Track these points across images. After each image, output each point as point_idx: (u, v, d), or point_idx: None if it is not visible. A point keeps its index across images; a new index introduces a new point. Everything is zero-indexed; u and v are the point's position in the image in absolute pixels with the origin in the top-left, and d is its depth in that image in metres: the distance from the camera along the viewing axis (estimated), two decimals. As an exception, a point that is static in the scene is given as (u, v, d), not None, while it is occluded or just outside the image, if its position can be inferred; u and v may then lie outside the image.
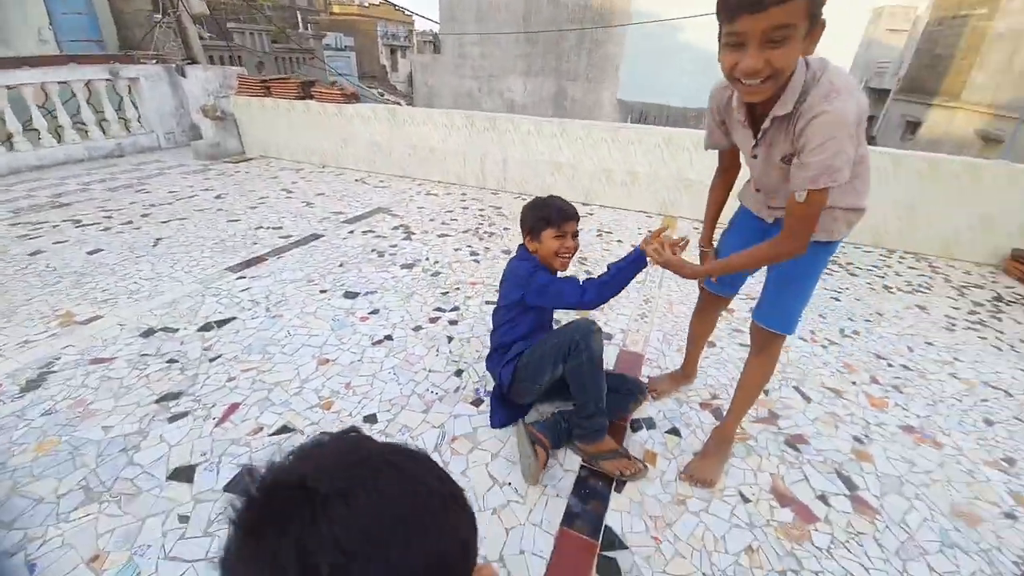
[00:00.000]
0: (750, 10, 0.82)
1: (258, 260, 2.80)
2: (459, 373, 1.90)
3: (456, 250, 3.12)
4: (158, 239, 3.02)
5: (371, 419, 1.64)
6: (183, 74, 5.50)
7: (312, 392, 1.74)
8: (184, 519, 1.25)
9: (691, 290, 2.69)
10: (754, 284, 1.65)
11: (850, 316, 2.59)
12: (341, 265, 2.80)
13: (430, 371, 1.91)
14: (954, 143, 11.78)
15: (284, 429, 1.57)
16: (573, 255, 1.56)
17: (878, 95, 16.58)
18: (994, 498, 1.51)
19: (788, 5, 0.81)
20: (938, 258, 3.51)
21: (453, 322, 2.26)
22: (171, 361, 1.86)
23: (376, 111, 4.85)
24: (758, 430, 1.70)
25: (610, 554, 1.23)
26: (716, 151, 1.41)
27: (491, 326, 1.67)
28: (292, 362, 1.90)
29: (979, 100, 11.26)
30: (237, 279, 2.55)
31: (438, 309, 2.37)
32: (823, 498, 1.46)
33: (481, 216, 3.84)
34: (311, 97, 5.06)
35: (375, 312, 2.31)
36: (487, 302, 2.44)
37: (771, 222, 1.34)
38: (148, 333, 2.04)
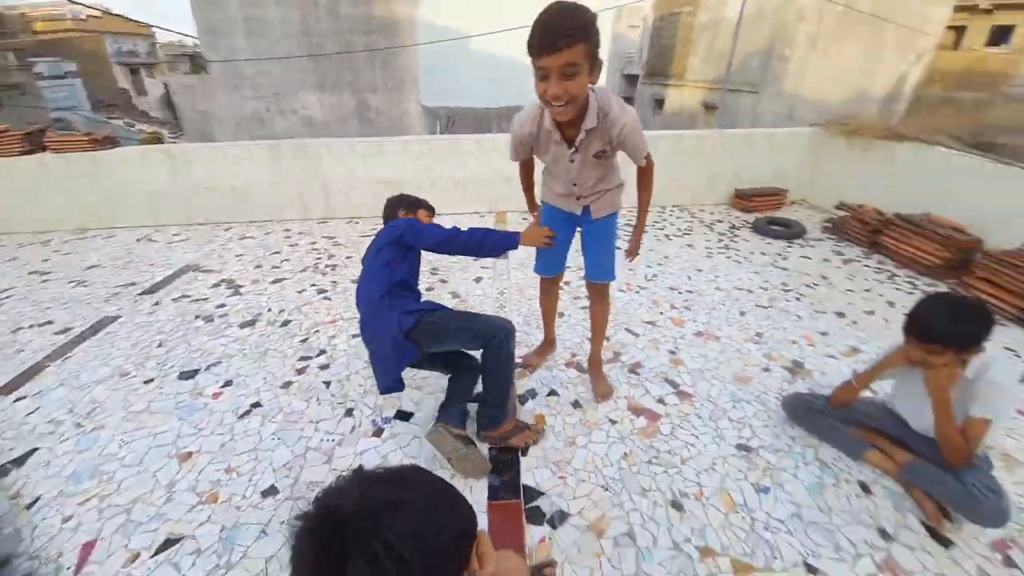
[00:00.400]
0: (548, 51, 1.20)
1: (35, 370, 2.27)
2: (350, 412, 1.95)
3: (300, 292, 3.01)
4: None
5: (271, 491, 1.60)
6: None
7: (186, 492, 1.59)
8: None
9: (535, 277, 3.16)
10: (575, 261, 2.11)
11: (648, 264, 3.39)
12: (160, 345, 2.46)
13: (318, 422, 1.91)
14: (688, 113, 15.42)
15: (169, 542, 1.43)
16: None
17: (631, 80, 20.59)
18: (755, 362, 2.28)
19: (574, 49, 1.20)
20: (692, 206, 4.75)
21: (324, 366, 2.26)
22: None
23: (147, 155, 4.18)
24: (609, 368, 2.19)
25: (533, 504, 1.52)
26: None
27: (359, 332, 1.75)
28: (142, 471, 1.68)
29: (698, 78, 14.92)
30: (14, 401, 2.05)
31: (303, 358, 2.32)
32: (661, 400, 2.01)
33: (316, 250, 3.72)
34: (43, 149, 4.07)
35: (228, 384, 2.14)
36: (354, 335, 2.48)
37: (579, 213, 1.78)
38: None
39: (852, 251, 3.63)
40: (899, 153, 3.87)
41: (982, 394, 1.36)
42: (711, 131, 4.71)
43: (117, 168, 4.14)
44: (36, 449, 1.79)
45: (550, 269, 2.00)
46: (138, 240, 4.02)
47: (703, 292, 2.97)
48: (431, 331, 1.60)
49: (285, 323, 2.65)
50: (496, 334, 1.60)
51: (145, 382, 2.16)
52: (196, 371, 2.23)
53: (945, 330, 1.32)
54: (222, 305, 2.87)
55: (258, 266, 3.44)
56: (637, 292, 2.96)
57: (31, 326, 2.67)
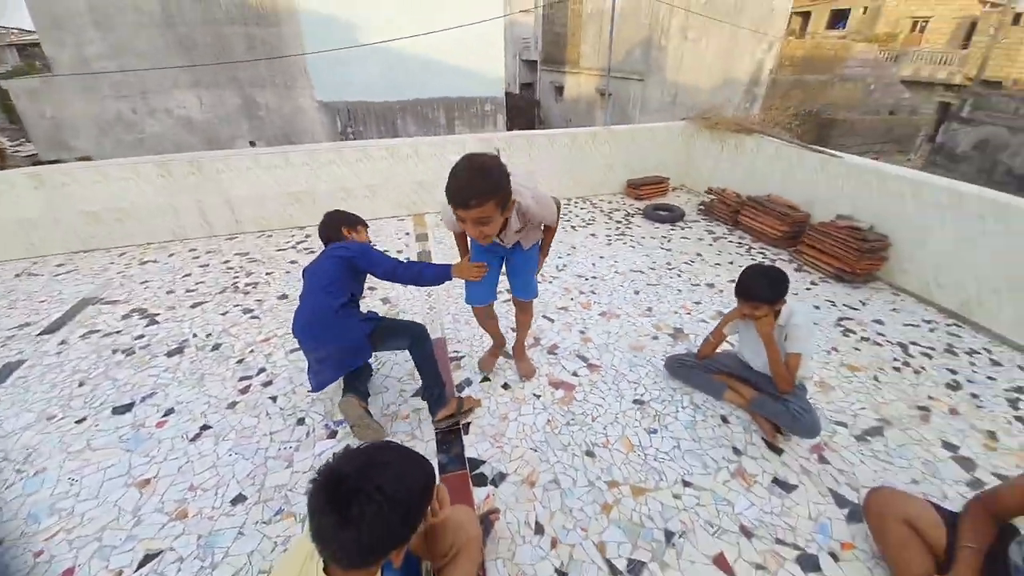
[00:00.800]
0: (461, 208, 1.43)
1: (9, 369, 2.16)
2: (301, 421, 2.16)
3: (224, 314, 3.05)
4: None
5: (239, 500, 1.79)
6: None
7: (155, 513, 1.73)
8: None
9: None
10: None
11: (559, 255, 3.86)
12: (81, 384, 2.43)
13: (271, 433, 2.09)
14: (586, 100, 16.39)
15: (150, 557, 1.58)
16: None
17: (530, 65, 21.25)
18: (646, 332, 2.83)
19: (483, 207, 1.43)
20: (594, 196, 5.35)
21: (267, 383, 2.41)
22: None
23: (9, 179, 3.79)
24: (531, 351, 2.60)
25: (477, 472, 1.89)
26: None
27: (298, 343, 2.06)
28: (102, 502, 1.78)
29: (590, 65, 15.88)
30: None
31: (243, 378, 2.45)
32: (575, 374, 2.46)
33: (230, 269, 3.70)
34: None
35: (171, 412, 2.22)
36: (291, 350, 2.63)
37: (510, 246, 1.99)
38: None
39: (720, 229, 4.42)
40: (748, 143, 4.72)
41: (792, 336, 1.95)
42: (601, 128, 5.30)
43: (-24, 195, 3.72)
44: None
45: (482, 298, 2.16)
46: (17, 276, 3.68)
47: (605, 277, 3.50)
48: (383, 335, 1.99)
49: (216, 347, 2.72)
50: (422, 333, 2.02)
51: (77, 422, 2.17)
52: (131, 404, 2.27)
53: (759, 291, 1.89)
54: (140, 336, 2.83)
55: (170, 291, 3.37)
56: (551, 282, 3.41)
57: (-89, 383, 2.46)
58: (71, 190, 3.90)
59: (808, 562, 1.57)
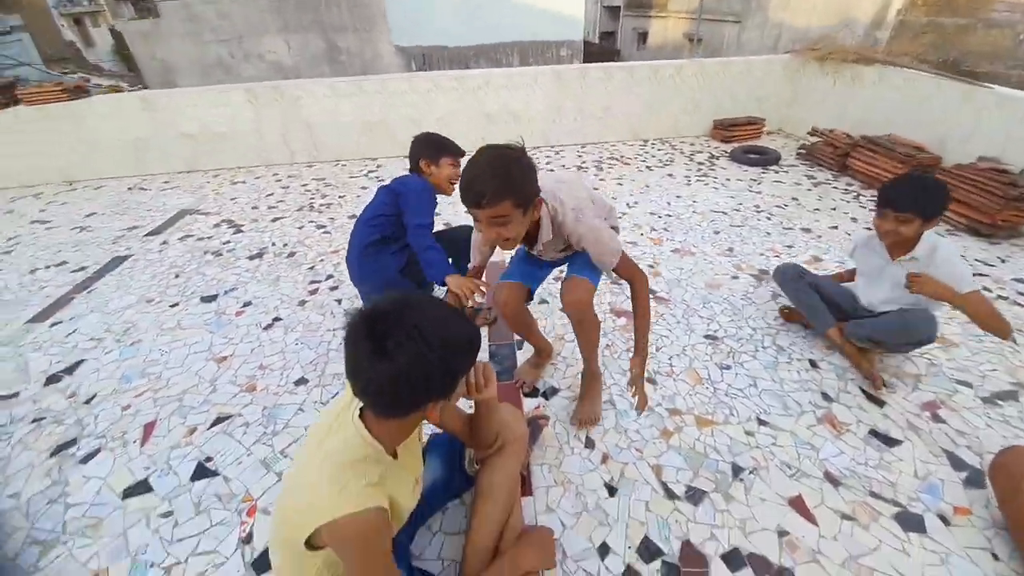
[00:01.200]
0: (473, 206, 1.17)
1: (63, 302, 2.44)
2: (362, 322, 2.18)
3: (300, 228, 3.16)
4: None
5: (302, 382, 1.85)
6: None
7: (228, 384, 1.84)
8: (167, 514, 1.36)
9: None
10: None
11: (630, 193, 3.58)
12: (177, 276, 2.63)
13: (334, 330, 2.14)
14: (672, 46, 15.03)
15: (220, 420, 1.68)
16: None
17: (612, 12, 19.75)
18: (725, 271, 2.54)
19: (497, 206, 1.15)
20: (673, 138, 4.88)
21: (334, 288, 2.46)
22: (36, 420, 1.70)
23: (122, 102, 4.13)
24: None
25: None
26: None
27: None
28: (186, 371, 1.91)
29: (680, 8, 14.44)
30: (51, 327, 2.24)
31: (312, 282, 2.52)
32: (641, 305, 2.27)
33: (307, 191, 3.82)
34: (17, 102, 3.99)
35: (248, 304, 2.35)
36: (357, 262, 2.67)
37: (548, 259, 1.63)
38: (-27, 410, 1.76)
39: (823, 175, 3.85)
40: (867, 75, 4.01)
41: (950, 273, 1.57)
42: (690, 60, 4.75)
43: (93, 118, 4.09)
44: (83, 360, 2.00)
45: (519, 277, 1.65)
46: (129, 189, 4.06)
47: (681, 215, 3.19)
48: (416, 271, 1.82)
49: (291, 254, 2.82)
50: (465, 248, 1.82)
51: (171, 306, 2.35)
52: (216, 295, 2.42)
53: (913, 199, 1.57)
54: (227, 242, 3.01)
55: (255, 207, 3.55)
56: (619, 218, 3.16)
57: (47, 267, 2.80)
58: (175, 116, 4.17)
59: (910, 521, 1.33)
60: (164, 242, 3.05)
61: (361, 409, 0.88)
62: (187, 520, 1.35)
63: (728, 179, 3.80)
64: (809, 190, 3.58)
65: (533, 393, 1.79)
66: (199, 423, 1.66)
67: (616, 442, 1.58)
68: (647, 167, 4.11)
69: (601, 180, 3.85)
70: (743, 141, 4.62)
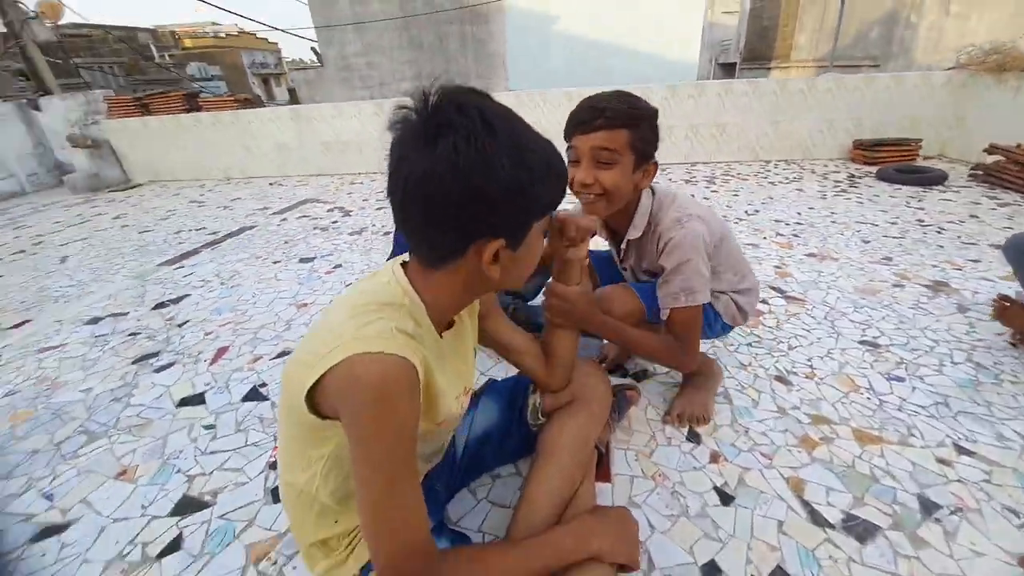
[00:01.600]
0: (581, 129, 0.96)
1: (192, 253, 2.66)
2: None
3: (399, 215, 3.21)
4: (64, 257, 2.74)
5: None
6: (37, 107, 4.91)
7: (301, 326, 1.76)
8: (210, 427, 1.25)
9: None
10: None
11: (748, 203, 3.10)
12: (286, 242, 2.76)
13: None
14: (793, 96, 14.00)
15: (284, 353, 1.58)
16: None
17: (727, 68, 19.22)
18: (883, 279, 1.97)
19: (612, 132, 0.94)
20: (802, 160, 4.27)
21: (419, 259, 2.37)
22: (133, 334, 1.76)
23: (277, 112, 4.74)
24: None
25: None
26: None
27: None
28: (269, 311, 1.89)
29: (804, 57, 13.56)
30: (175, 269, 2.43)
31: (401, 254, 2.46)
32: (764, 301, 1.80)
33: (413, 190, 3.95)
34: (199, 109, 4.80)
35: (338, 267, 2.34)
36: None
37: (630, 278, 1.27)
38: (94, 321, 1.89)
39: (1009, 196, 3.01)
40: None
41: None
42: (824, 75, 4.20)
43: (253, 124, 4.74)
44: (188, 295, 2.09)
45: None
46: (270, 184, 4.57)
47: (816, 224, 2.64)
48: None
49: (387, 233, 2.84)
50: None
51: (274, 262, 2.44)
52: (313, 258, 2.47)
53: None
54: (335, 222, 3.15)
55: (365, 199, 3.73)
56: (735, 222, 2.72)
57: (190, 230, 3.14)
58: (316, 125, 4.69)
59: None
60: (284, 219, 3.28)
61: (404, 264, 0.66)
62: (225, 435, 1.21)
63: (877, 195, 3.14)
64: (992, 209, 2.79)
65: (618, 372, 1.43)
66: (265, 353, 1.58)
67: (732, 441, 1.16)
68: (769, 183, 3.59)
69: (713, 191, 3.43)
70: (892, 163, 3.87)
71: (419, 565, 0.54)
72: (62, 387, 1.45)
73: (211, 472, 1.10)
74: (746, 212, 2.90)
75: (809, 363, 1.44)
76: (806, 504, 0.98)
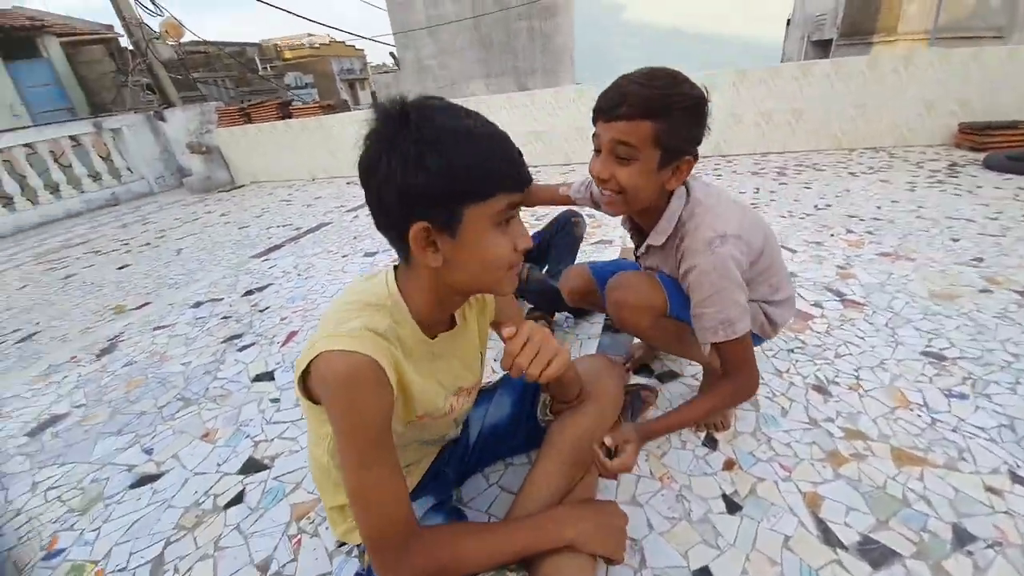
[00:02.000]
0: (604, 116, 0.83)
1: (277, 247, 3.00)
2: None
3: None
4: (179, 249, 3.22)
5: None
6: (162, 119, 5.73)
7: (357, 316, 1.94)
8: (275, 400, 1.44)
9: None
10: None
11: (821, 196, 2.83)
12: (355, 237, 3.01)
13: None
14: (900, 71, 12.25)
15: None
16: None
17: (822, 46, 17.20)
18: (968, 282, 1.73)
19: (633, 124, 0.79)
20: (893, 147, 3.79)
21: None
22: (225, 317, 2.06)
23: (354, 116, 5.11)
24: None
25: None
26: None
27: None
28: (333, 300, 2.10)
29: (912, 29, 11.79)
30: (263, 261, 2.76)
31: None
32: (817, 304, 1.68)
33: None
34: (290, 116, 5.31)
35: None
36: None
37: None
38: (197, 304, 2.23)
39: None
40: None
41: None
42: (924, 49, 3.66)
43: (336, 128, 5.14)
44: (271, 284, 2.38)
45: (599, 267, 1.33)
46: (348, 183, 4.96)
47: (896, 220, 2.36)
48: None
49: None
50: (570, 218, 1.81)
51: (343, 256, 2.69)
52: (375, 252, 2.68)
53: None
54: (397, 219, 3.37)
55: (427, 197, 3.93)
56: (801, 218, 2.50)
57: (279, 226, 3.53)
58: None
59: None
60: (356, 216, 3.56)
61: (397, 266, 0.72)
62: (286, 408, 1.40)
63: (979, 186, 2.72)
64: None
65: (644, 371, 1.42)
66: (324, 338, 1.77)
67: (751, 449, 1.12)
68: (849, 173, 3.24)
69: (782, 184, 3.16)
70: (1005, 149, 3.31)
71: (398, 537, 0.62)
72: (168, 360, 1.75)
73: (272, 439, 1.28)
74: (815, 207, 2.66)
75: (856, 373, 1.33)
76: (820, 522, 0.94)
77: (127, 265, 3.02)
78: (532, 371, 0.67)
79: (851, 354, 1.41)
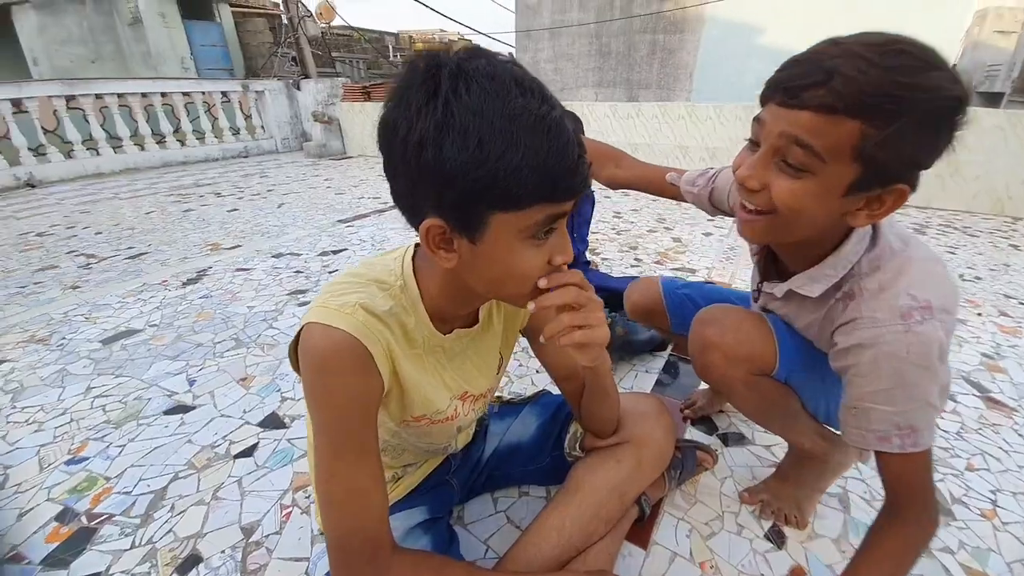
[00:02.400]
0: (780, 97, 0.55)
1: (363, 216, 3.11)
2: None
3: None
4: (281, 203, 3.47)
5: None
6: (298, 87, 6.30)
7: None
8: (314, 362, 1.43)
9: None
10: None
11: (969, 266, 2.31)
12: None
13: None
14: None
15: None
16: None
17: (990, 99, 14.68)
18: None
19: (825, 118, 0.50)
20: (1083, 222, 3.03)
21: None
22: (297, 272, 2.13)
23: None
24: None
25: (703, 415, 1.22)
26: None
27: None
28: (394, 277, 2.10)
29: None
30: (346, 227, 2.86)
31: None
32: (952, 398, 1.32)
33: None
34: (371, 97, 5.57)
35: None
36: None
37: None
38: (278, 255, 2.35)
39: None
40: None
41: None
42: None
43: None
44: (346, 249, 2.45)
45: (694, 292, 1.07)
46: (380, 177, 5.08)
47: (1075, 311, 1.84)
48: None
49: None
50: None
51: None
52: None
53: None
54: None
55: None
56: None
57: (369, 198, 3.68)
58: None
59: None
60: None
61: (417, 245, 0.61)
62: (320, 372, 1.37)
63: None
64: None
65: (704, 425, 1.20)
66: (376, 310, 1.75)
67: (832, 561, 0.87)
68: (1011, 245, 2.63)
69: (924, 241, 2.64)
70: None
71: (364, 546, 0.51)
72: (237, 301, 1.83)
73: (299, 399, 1.26)
74: (961, 276, 2.17)
75: (992, 496, 1.01)
76: None
77: (236, 209, 3.30)
78: (555, 326, 0.51)
79: (989, 469, 1.08)
